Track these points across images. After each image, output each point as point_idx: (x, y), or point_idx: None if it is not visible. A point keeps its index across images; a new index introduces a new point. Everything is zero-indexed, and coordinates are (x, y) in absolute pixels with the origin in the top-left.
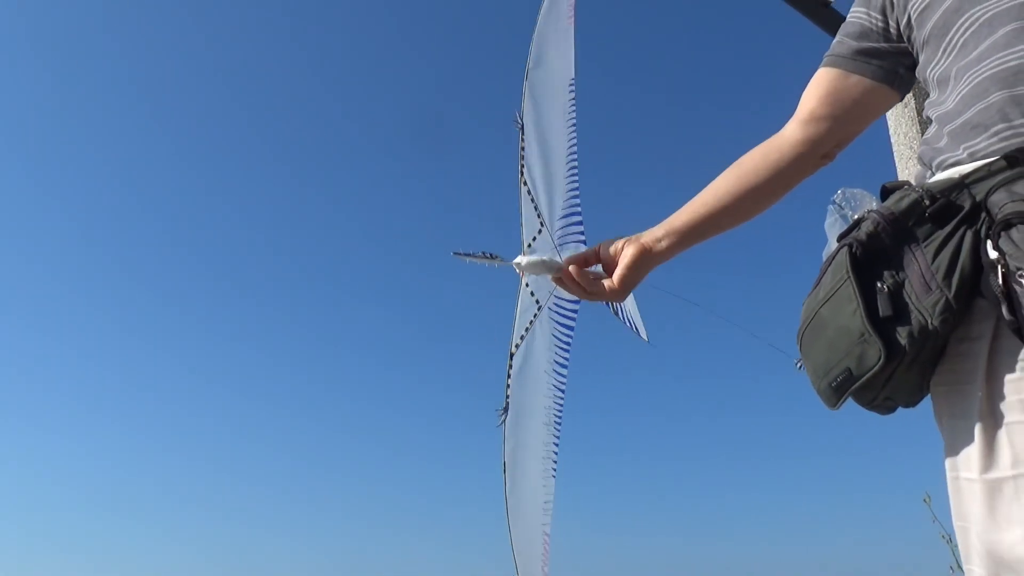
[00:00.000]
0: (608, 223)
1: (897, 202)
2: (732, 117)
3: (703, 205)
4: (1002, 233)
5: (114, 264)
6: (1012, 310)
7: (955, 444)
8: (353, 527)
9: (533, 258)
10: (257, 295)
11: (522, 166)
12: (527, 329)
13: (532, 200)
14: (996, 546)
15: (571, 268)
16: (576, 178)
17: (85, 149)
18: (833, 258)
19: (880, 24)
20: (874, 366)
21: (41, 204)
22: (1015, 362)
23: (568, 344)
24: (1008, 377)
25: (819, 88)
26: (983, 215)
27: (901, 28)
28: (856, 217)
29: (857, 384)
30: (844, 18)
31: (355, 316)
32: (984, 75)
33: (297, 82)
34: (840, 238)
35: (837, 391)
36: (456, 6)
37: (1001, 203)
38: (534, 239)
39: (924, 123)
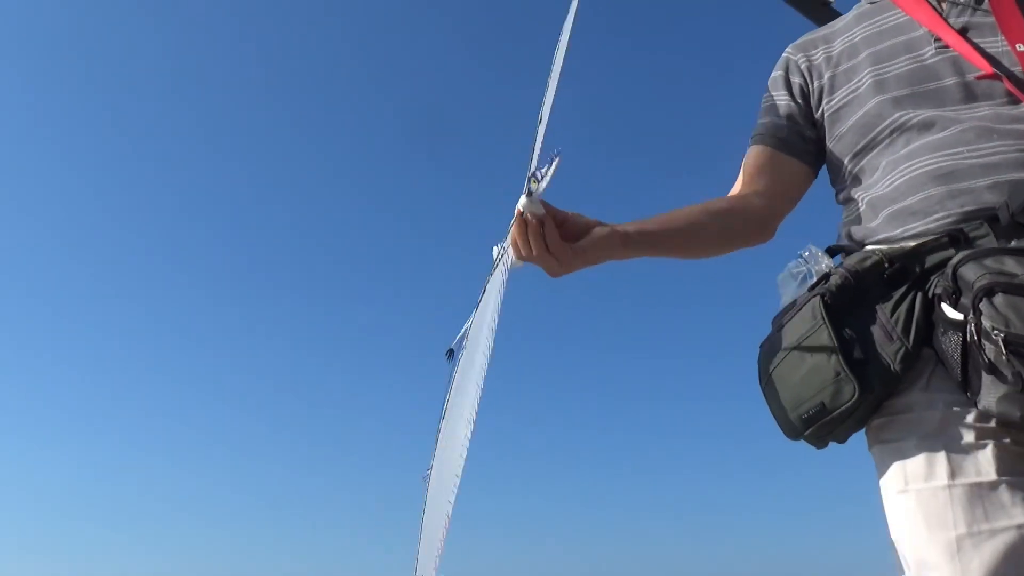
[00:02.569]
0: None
1: (861, 262)
2: (727, 116)
3: (672, 220)
4: (984, 299)
5: (107, 268)
6: (964, 359)
7: (893, 463)
8: (351, 527)
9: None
10: (247, 301)
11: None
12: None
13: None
14: (926, 552)
15: (552, 217)
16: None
17: (85, 149)
18: (802, 306)
19: (803, 109)
20: (848, 401)
21: (34, 208)
22: (946, 394)
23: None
24: (941, 406)
25: (758, 166)
26: (933, 280)
27: (816, 117)
28: (822, 271)
29: (829, 416)
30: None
31: (352, 316)
32: (920, 171)
33: (302, 79)
34: (811, 288)
35: (807, 422)
36: (458, 5)
37: (977, 274)
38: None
39: (843, 203)
